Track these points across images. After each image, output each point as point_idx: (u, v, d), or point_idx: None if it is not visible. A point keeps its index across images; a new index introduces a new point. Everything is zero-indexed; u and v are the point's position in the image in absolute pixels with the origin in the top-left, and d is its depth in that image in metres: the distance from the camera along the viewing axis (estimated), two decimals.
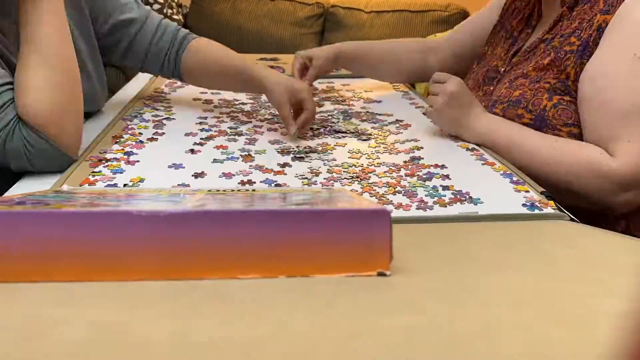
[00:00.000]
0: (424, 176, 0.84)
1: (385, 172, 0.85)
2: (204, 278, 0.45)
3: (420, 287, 0.46)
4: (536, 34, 1.08)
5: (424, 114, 1.08)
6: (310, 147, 0.95)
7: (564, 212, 0.72)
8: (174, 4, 2.99)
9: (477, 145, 0.98)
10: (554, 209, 0.73)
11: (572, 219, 0.71)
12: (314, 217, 0.47)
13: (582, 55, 0.93)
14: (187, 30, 1.12)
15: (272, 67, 1.65)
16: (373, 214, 0.47)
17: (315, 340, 0.37)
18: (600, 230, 0.66)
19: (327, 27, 3.14)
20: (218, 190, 0.64)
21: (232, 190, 0.65)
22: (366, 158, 0.91)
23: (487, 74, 1.13)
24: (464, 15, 3.08)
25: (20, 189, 0.78)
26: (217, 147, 0.94)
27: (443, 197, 0.76)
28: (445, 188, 0.79)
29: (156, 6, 2.89)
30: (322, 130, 1.05)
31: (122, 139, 0.95)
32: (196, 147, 0.94)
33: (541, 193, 0.78)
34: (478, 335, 0.38)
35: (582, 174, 0.89)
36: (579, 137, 0.94)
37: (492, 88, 1.09)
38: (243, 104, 1.21)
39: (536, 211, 0.72)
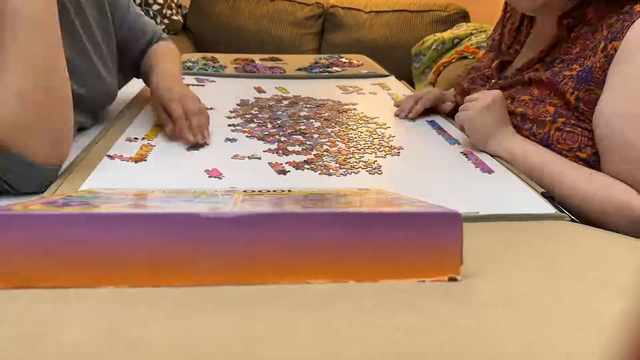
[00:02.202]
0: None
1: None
2: (274, 283, 0.43)
3: (417, 287, 0.45)
4: (528, 51, 1.04)
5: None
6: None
7: (564, 213, 0.72)
8: (173, 4, 2.99)
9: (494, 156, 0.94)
10: (554, 209, 0.73)
11: (572, 219, 0.70)
12: (384, 219, 0.45)
13: (584, 81, 0.88)
14: (160, 34, 1.20)
15: (272, 67, 1.65)
16: (445, 217, 0.46)
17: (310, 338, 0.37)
18: (601, 231, 0.66)
19: (326, 27, 3.14)
20: (253, 192, 0.63)
21: (268, 191, 0.64)
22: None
23: (472, 82, 1.13)
24: (463, 15, 3.08)
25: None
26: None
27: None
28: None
29: (156, 6, 2.89)
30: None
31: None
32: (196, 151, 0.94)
33: (541, 194, 0.78)
34: (473, 335, 0.38)
35: (613, 215, 0.83)
36: (586, 160, 0.89)
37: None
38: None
39: (536, 211, 0.72)
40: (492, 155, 0.94)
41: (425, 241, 0.45)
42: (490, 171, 0.88)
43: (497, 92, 0.96)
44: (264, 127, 1.06)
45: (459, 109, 1.01)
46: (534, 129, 0.93)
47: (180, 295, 0.42)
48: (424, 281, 0.45)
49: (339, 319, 0.39)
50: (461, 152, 0.96)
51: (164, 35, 1.23)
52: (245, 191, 0.62)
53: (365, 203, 0.56)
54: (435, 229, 0.45)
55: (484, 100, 0.95)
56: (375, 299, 0.42)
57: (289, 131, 1.03)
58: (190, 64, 1.61)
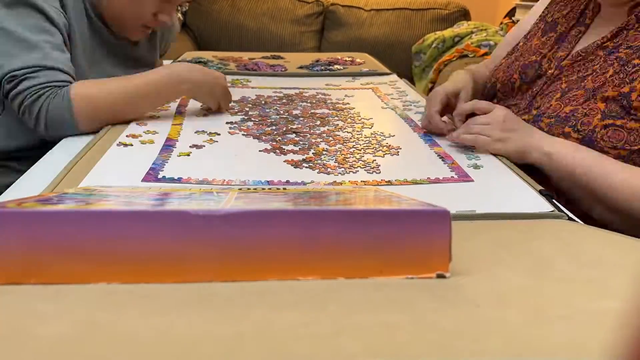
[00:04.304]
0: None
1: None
2: (262, 279, 0.43)
3: (408, 285, 0.45)
4: (591, 36, 1.00)
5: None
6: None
7: (563, 212, 0.72)
8: None
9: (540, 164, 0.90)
10: (552, 207, 0.72)
11: (570, 219, 0.70)
12: (373, 217, 0.45)
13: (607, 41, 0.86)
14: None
15: (273, 65, 1.65)
16: (433, 214, 0.46)
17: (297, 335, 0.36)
18: (599, 230, 0.66)
19: (326, 25, 3.14)
20: (248, 189, 0.63)
21: (263, 189, 0.63)
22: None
23: (524, 70, 1.05)
24: (463, 13, 3.08)
25: (29, 181, 0.77)
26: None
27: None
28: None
29: None
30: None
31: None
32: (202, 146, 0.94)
33: (540, 192, 0.78)
34: (461, 333, 0.38)
35: None
36: (626, 158, 0.87)
37: (535, 89, 1.02)
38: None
39: (535, 210, 0.71)
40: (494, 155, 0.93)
41: (414, 238, 0.45)
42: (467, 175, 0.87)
43: (501, 108, 0.94)
44: (260, 126, 1.06)
45: (465, 128, 0.96)
46: (578, 126, 0.90)
47: (166, 291, 0.42)
48: (412, 278, 0.45)
49: (326, 316, 0.39)
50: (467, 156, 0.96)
51: None
52: (240, 189, 0.62)
53: (359, 201, 0.56)
54: (424, 226, 0.45)
55: (497, 123, 0.92)
56: (364, 296, 0.43)
57: (283, 129, 1.03)
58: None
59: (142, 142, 0.94)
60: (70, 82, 1.00)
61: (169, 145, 0.93)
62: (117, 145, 0.92)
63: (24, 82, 0.98)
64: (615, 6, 0.97)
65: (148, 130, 1.00)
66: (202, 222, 0.43)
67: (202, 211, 0.43)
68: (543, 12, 1.13)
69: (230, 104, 1.16)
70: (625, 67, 0.89)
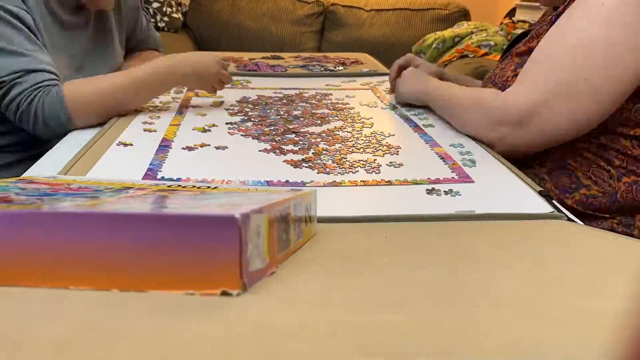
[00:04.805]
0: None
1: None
2: (35, 286, 0.40)
3: (407, 285, 0.45)
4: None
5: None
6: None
7: (562, 212, 0.72)
8: (173, 2, 2.99)
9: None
10: (551, 208, 0.72)
11: (569, 219, 0.70)
12: (146, 221, 0.40)
13: (552, 23, 0.95)
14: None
15: (273, 65, 1.65)
16: (218, 221, 0.39)
17: (295, 336, 0.36)
18: (597, 230, 0.66)
19: (326, 26, 3.14)
20: (178, 186, 0.59)
21: (172, 187, 0.60)
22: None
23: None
24: (463, 13, 3.08)
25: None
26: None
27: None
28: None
29: (156, 4, 2.88)
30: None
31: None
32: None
33: (539, 192, 0.78)
34: (456, 333, 0.38)
35: (469, 109, 0.99)
36: None
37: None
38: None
39: (533, 211, 0.71)
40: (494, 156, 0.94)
41: (196, 248, 0.39)
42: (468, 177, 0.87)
43: (410, 69, 1.23)
44: (259, 126, 1.06)
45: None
46: (496, 79, 1.05)
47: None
48: (193, 294, 0.39)
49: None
50: (459, 151, 0.96)
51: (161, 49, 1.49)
52: (169, 186, 0.59)
53: (141, 202, 0.51)
54: (208, 234, 0.39)
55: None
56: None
57: (282, 130, 1.03)
58: None
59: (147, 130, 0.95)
60: (58, 80, 1.03)
61: (164, 146, 0.93)
62: (117, 145, 0.92)
63: (15, 88, 1.00)
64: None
65: (149, 128, 1.01)
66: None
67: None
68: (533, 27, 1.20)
69: (229, 84, 1.22)
70: (541, 25, 1.00)
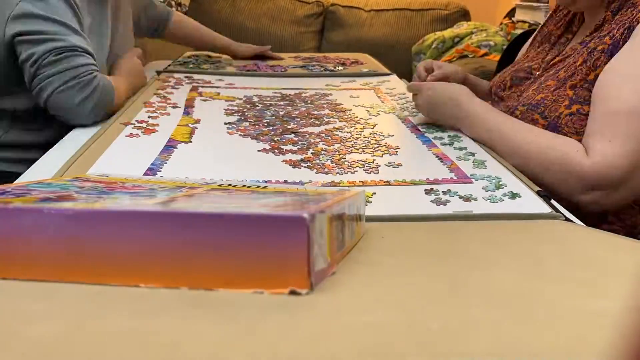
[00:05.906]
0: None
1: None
2: (105, 283, 0.41)
3: (402, 285, 0.45)
4: (576, 39, 1.05)
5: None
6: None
7: (560, 212, 0.72)
8: (173, 2, 2.99)
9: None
10: (549, 208, 0.72)
11: (567, 219, 0.70)
12: (214, 221, 0.40)
13: (611, 54, 0.91)
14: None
15: (273, 65, 1.66)
16: (287, 221, 0.40)
17: (281, 340, 0.37)
18: (596, 231, 0.66)
19: (326, 26, 3.14)
20: (229, 185, 0.60)
21: (223, 186, 0.60)
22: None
23: (515, 74, 1.12)
24: (463, 13, 3.08)
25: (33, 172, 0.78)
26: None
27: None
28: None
29: None
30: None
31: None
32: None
33: (537, 192, 0.78)
34: (448, 333, 0.38)
35: (551, 167, 0.88)
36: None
37: (522, 88, 1.07)
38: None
39: (532, 211, 0.71)
40: (491, 155, 0.94)
41: (265, 248, 0.40)
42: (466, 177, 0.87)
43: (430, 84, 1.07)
44: (257, 126, 1.06)
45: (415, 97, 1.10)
46: (546, 112, 0.95)
47: (157, 292, 0.42)
48: (262, 292, 0.40)
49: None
50: (458, 152, 0.96)
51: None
52: (220, 185, 0.60)
53: (245, 205, 0.50)
54: (276, 234, 0.40)
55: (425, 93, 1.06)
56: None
57: (280, 130, 1.03)
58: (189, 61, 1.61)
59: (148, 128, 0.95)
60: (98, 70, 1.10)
61: (170, 146, 0.93)
62: (123, 137, 0.94)
63: (79, 58, 1.03)
64: (591, 8, 1.02)
65: (152, 123, 1.03)
66: (49, 220, 0.42)
67: (54, 209, 0.42)
68: (541, 25, 1.20)
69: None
70: (592, 55, 0.94)
